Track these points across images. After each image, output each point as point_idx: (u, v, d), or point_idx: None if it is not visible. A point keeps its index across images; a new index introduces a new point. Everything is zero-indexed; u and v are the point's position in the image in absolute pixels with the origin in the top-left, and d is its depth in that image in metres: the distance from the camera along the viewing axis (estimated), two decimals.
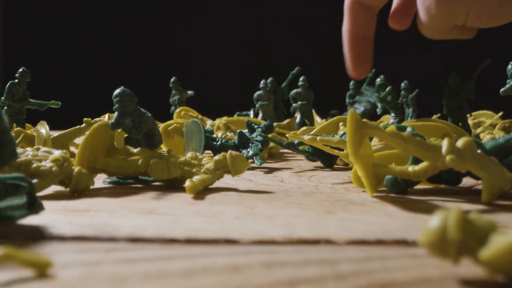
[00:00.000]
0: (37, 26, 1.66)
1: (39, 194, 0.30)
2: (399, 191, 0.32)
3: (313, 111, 0.90)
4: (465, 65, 0.80)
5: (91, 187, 0.34)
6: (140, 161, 0.35)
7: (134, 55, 1.58)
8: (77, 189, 0.32)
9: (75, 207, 0.27)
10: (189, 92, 0.93)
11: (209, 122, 0.75)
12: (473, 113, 0.91)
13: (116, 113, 0.37)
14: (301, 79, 0.83)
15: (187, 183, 0.31)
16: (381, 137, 0.28)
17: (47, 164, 0.32)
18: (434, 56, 1.31)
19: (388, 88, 0.79)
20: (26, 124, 0.58)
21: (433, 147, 0.28)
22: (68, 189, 0.32)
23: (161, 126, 0.56)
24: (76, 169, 0.32)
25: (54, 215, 0.25)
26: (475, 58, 0.77)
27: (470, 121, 0.87)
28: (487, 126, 0.84)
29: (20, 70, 0.57)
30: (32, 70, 0.58)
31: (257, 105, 0.86)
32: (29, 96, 0.58)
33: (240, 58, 1.39)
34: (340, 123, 0.59)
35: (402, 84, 0.96)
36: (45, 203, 0.24)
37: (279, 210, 0.26)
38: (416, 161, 0.31)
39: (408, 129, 0.29)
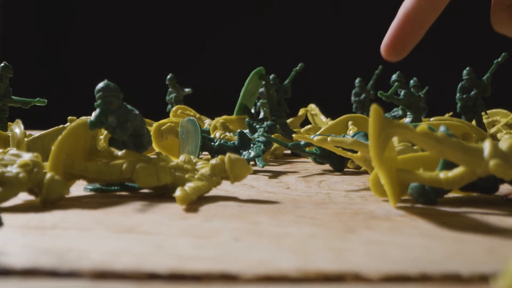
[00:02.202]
0: (25, 17, 1.61)
1: (2, 205, 0.26)
2: (427, 201, 0.27)
3: (318, 109, 0.85)
4: (480, 60, 0.75)
5: (68, 195, 0.29)
6: (124, 165, 0.30)
7: (128, 50, 1.52)
8: (49, 199, 0.27)
9: (40, 223, 0.22)
10: (187, 90, 0.88)
11: (207, 122, 0.71)
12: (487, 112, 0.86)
13: (97, 110, 0.32)
14: None
15: (178, 193, 0.26)
16: (411, 138, 0.23)
17: (13, 169, 0.27)
18: (445, 50, 1.25)
19: (395, 85, 0.73)
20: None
21: (473, 150, 0.23)
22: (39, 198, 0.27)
23: (153, 125, 0.52)
24: (48, 175, 0.27)
25: (10, 234, 0.20)
26: (490, 53, 0.72)
27: (484, 120, 0.82)
28: (502, 125, 0.79)
29: (2, 64, 0.52)
30: (16, 65, 0.54)
31: (258, 103, 0.81)
32: (11, 93, 0.53)
33: (241, 54, 1.33)
34: (349, 122, 0.54)
35: (411, 82, 0.91)
36: (7, 217, 0.20)
37: (288, 227, 0.22)
38: (447, 165, 0.26)
39: (442, 128, 0.25)
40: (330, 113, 0.90)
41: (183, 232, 0.21)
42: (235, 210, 0.26)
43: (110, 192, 0.32)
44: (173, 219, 0.23)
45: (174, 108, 0.79)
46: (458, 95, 0.70)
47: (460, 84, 0.70)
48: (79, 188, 0.32)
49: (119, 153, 0.32)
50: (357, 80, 0.94)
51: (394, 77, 0.74)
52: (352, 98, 0.95)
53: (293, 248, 0.18)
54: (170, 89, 0.89)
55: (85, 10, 1.56)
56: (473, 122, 0.68)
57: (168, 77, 0.89)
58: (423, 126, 0.23)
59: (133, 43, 1.51)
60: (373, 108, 0.23)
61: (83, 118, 0.32)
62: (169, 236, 0.20)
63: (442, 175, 0.25)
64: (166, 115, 0.81)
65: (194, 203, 0.27)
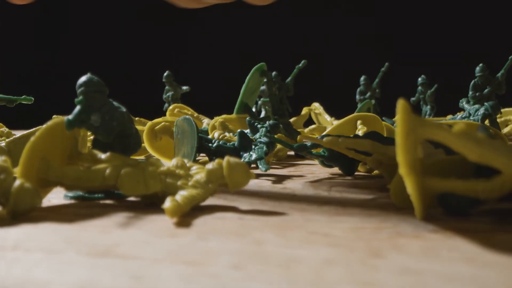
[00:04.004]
0: (15, 11, 1.56)
1: None
2: (459, 212, 0.24)
3: (322, 108, 0.82)
4: (494, 56, 0.71)
5: (42, 205, 0.25)
6: (107, 170, 0.26)
7: (122, 45, 1.47)
8: (18, 211, 0.23)
9: (0, 241, 0.19)
10: (184, 88, 0.85)
11: (205, 121, 0.67)
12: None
13: (77, 107, 0.28)
14: None
15: (167, 203, 0.22)
16: (445, 139, 0.19)
17: None
18: (456, 45, 1.21)
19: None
20: None
21: None
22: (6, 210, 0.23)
23: (147, 125, 0.48)
24: (17, 182, 0.23)
25: None
26: (505, 49, 0.68)
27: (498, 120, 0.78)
28: None
29: None
30: (2, 61, 0.50)
31: (259, 102, 0.77)
32: None
33: (241, 50, 1.29)
34: (358, 122, 0.51)
35: (419, 79, 0.87)
36: None
37: (299, 249, 0.18)
38: (482, 171, 0.22)
39: (480, 128, 0.21)
40: (334, 112, 0.86)
41: (170, 255, 0.17)
42: (235, 224, 0.22)
43: (93, 201, 0.28)
44: (160, 236, 0.20)
45: (171, 107, 0.75)
46: (470, 93, 0.66)
47: (472, 81, 0.66)
48: (59, 195, 0.29)
49: (103, 156, 0.28)
50: (362, 78, 0.91)
51: (420, 80, 0.70)
52: (357, 96, 0.91)
53: (308, 280, 0.14)
54: (167, 87, 0.86)
55: (78, 4, 1.52)
56: (486, 122, 0.64)
57: (165, 74, 0.85)
58: (461, 125, 0.19)
59: (127, 38, 1.46)
60: (401, 104, 0.19)
61: (62, 116, 0.28)
62: (152, 262, 0.16)
63: (479, 182, 0.21)
64: (163, 115, 0.77)
65: (187, 214, 0.23)
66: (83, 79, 0.29)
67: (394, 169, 0.32)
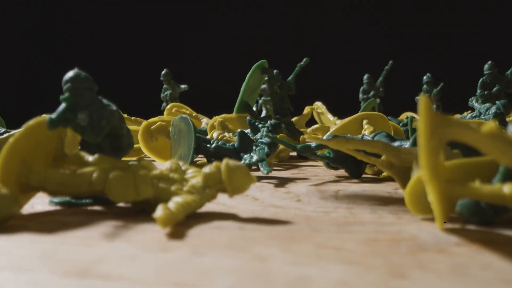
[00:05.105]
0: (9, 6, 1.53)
1: None
2: (482, 220, 0.21)
3: (324, 107, 0.79)
4: (501, 53, 0.69)
5: (22, 212, 0.23)
6: (95, 174, 0.24)
7: (119, 43, 1.44)
8: None
9: None
10: (183, 86, 0.82)
11: (204, 120, 0.65)
12: None
13: (62, 105, 0.26)
14: None
15: (159, 212, 0.20)
16: (473, 140, 0.17)
17: None
18: (463, 42, 1.18)
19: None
20: None
21: None
22: None
23: (142, 124, 0.45)
24: None
25: None
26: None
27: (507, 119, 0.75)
28: None
29: None
30: None
31: (260, 101, 0.75)
32: None
33: (242, 47, 1.26)
34: (364, 121, 0.48)
35: (425, 78, 0.85)
36: None
37: (307, 266, 0.15)
38: (509, 175, 0.20)
39: (511, 128, 0.18)
40: (336, 112, 0.84)
41: (159, 275, 0.15)
42: (234, 235, 0.19)
43: (80, 207, 0.26)
44: (149, 250, 0.17)
45: (169, 106, 0.73)
46: (478, 91, 0.63)
47: (480, 79, 0.64)
48: (45, 201, 0.26)
49: (90, 158, 0.25)
50: (365, 77, 0.88)
51: (425, 79, 0.68)
52: (360, 95, 0.89)
53: None
54: (165, 86, 0.83)
55: (76, 2, 1.49)
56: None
57: (163, 72, 0.83)
58: (490, 124, 0.17)
59: (124, 35, 1.43)
60: (423, 101, 0.17)
61: (45, 115, 0.26)
62: (138, 284, 0.14)
63: (507, 189, 0.19)
64: (161, 114, 0.75)
65: (181, 223, 0.21)
66: (69, 74, 0.27)
67: (406, 172, 0.29)
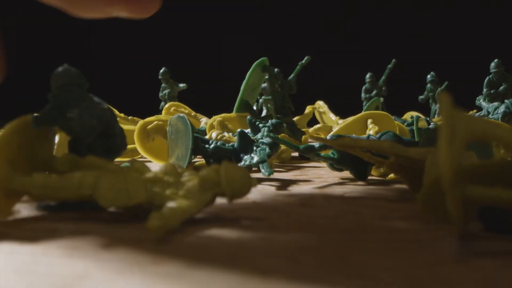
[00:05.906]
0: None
1: None
2: (503, 229, 0.20)
3: (326, 107, 0.78)
4: (508, 51, 0.67)
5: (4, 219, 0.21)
6: (83, 177, 0.22)
7: (117, 41, 1.42)
8: None
9: None
10: (181, 85, 0.81)
11: (203, 120, 0.63)
12: None
13: (50, 103, 0.24)
14: None
15: (151, 219, 0.18)
16: (503, 140, 0.15)
17: None
18: (469, 39, 1.16)
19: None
20: None
21: None
22: None
23: (138, 124, 0.44)
24: None
25: None
26: None
27: None
28: None
29: None
30: None
31: (260, 100, 0.73)
32: None
33: (241, 45, 1.25)
34: (369, 120, 0.47)
35: (429, 76, 0.83)
36: None
37: (318, 283, 0.14)
38: None
39: None
40: (339, 111, 0.82)
41: None
42: (234, 245, 0.18)
43: (69, 212, 0.24)
44: (139, 263, 0.15)
45: (167, 105, 0.71)
46: (484, 90, 0.62)
47: (487, 78, 0.62)
48: (32, 205, 0.25)
49: (80, 160, 0.24)
50: (367, 75, 0.87)
51: (429, 77, 0.66)
52: (363, 95, 0.87)
53: None
54: (163, 85, 0.82)
55: None
56: None
57: (161, 71, 0.81)
58: None
59: (122, 33, 1.41)
60: (444, 98, 0.15)
61: (31, 114, 0.24)
62: None
63: None
64: (159, 114, 0.73)
65: (176, 231, 0.19)
66: (58, 70, 0.25)
67: (416, 174, 0.27)
